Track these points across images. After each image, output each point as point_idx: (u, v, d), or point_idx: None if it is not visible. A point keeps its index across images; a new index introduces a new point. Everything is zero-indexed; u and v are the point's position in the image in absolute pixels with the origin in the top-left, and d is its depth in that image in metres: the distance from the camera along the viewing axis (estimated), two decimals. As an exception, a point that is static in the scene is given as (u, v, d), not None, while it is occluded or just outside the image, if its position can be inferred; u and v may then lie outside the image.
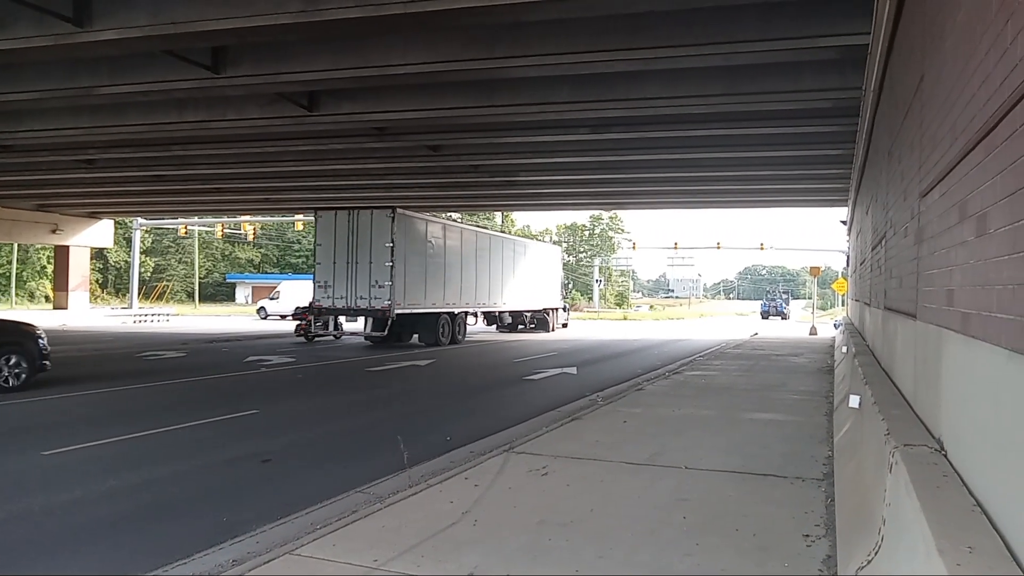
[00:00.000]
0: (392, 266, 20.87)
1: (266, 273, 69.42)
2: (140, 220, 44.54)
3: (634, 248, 78.37)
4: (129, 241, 50.75)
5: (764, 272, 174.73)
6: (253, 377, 14.97)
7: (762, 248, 60.62)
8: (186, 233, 55.83)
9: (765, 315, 59.97)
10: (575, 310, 60.28)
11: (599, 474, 5.87)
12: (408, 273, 21.64)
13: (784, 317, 59.16)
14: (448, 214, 30.52)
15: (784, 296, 67.59)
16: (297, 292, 44.78)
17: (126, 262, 57.99)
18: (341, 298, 21.46)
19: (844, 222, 27.11)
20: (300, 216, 45.59)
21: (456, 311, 24.56)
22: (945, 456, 3.20)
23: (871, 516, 3.45)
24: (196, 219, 48.20)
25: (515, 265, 29.76)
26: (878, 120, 8.51)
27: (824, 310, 68.60)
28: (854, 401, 5.83)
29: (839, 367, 12.34)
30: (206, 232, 58.96)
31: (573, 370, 16.18)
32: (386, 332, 21.46)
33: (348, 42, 10.32)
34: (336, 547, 4.21)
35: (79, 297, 36.58)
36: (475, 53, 9.97)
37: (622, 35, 9.44)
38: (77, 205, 32.05)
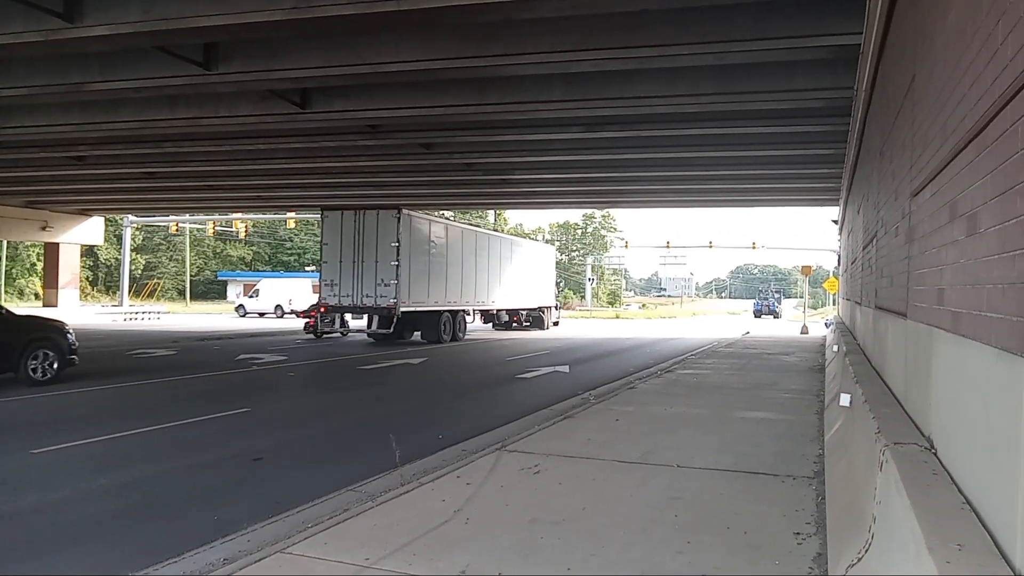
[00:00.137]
0: (398, 265, 21.41)
1: (258, 271, 69.11)
2: (131, 217, 44.30)
3: (626, 247, 78.50)
4: (120, 238, 50.46)
5: (756, 271, 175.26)
6: (244, 375, 14.92)
7: (754, 247, 60.90)
8: (177, 230, 55.49)
9: (758, 314, 60.49)
10: (568, 308, 60.50)
11: (591, 472, 5.88)
12: (412, 272, 22.16)
13: (776, 316, 59.73)
14: (442, 212, 30.47)
15: (776, 295, 68.08)
16: (277, 290, 44.82)
17: (116, 259, 57.67)
18: (347, 296, 21.99)
19: (835, 221, 27.23)
20: (292, 214, 45.50)
21: (457, 309, 25.09)
22: (935, 454, 3.22)
23: (862, 514, 3.47)
24: (187, 216, 47.95)
25: (512, 264, 30.30)
26: (870, 120, 8.54)
27: (815, 309, 68.93)
28: (845, 400, 5.85)
29: (830, 366, 12.40)
30: (197, 230, 58.73)
31: (565, 368, 16.20)
32: (392, 329, 21.97)
33: (341, 39, 10.28)
34: (328, 545, 4.20)
35: (69, 295, 36.35)
36: (469, 51, 9.95)
37: (616, 34, 9.44)
38: (67, 202, 31.84)
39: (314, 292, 50.61)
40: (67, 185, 25.38)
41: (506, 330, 31.58)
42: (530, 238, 56.50)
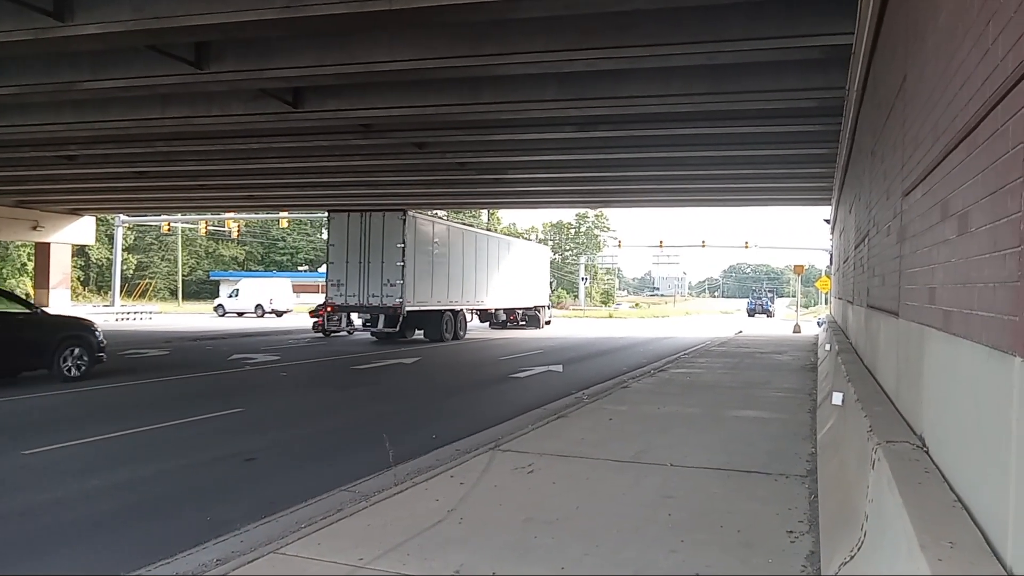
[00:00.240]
0: (403, 266, 22.05)
1: (250, 271, 68.91)
2: (122, 217, 44.06)
3: (620, 246, 78.57)
4: (111, 238, 50.18)
5: (749, 270, 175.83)
6: (237, 375, 14.88)
7: (747, 246, 61.06)
8: (169, 230, 55.28)
9: (752, 313, 60.90)
10: (561, 308, 60.64)
11: (585, 472, 5.89)
12: (416, 272, 22.80)
13: (770, 315, 60.14)
14: (435, 212, 30.49)
15: (770, 295, 68.48)
16: (257, 290, 44.77)
17: (108, 259, 57.39)
18: (353, 296, 22.57)
19: (827, 221, 27.33)
20: (285, 213, 45.36)
21: (458, 308, 25.70)
22: (927, 452, 3.23)
23: (854, 512, 3.48)
24: (179, 216, 47.76)
25: (510, 264, 30.95)
26: (861, 119, 8.58)
27: (807, 308, 69.18)
28: (837, 398, 5.87)
29: (822, 365, 12.45)
30: (189, 229, 58.50)
31: (559, 368, 16.21)
32: (398, 328, 22.47)
33: (333, 38, 10.25)
34: (321, 546, 4.20)
35: (60, 295, 36.12)
36: (461, 50, 9.94)
37: (608, 33, 9.44)
38: (58, 201, 31.64)
39: (294, 292, 50.73)
40: (58, 184, 25.22)
41: (502, 329, 32.03)
42: (524, 237, 56.58)
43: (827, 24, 8.71)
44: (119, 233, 45.76)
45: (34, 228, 33.64)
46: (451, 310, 25.12)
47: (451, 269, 25.22)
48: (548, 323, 36.32)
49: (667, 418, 8.41)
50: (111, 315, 36.95)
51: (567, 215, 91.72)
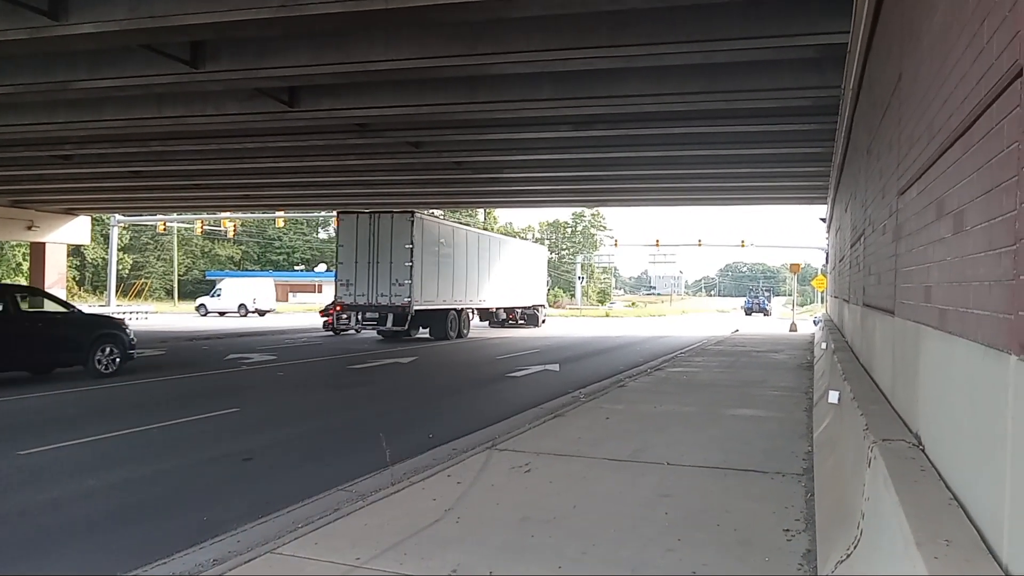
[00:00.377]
0: (411, 266, 22.74)
1: (247, 270, 68.80)
2: (118, 216, 43.91)
3: (616, 245, 78.68)
4: (107, 238, 50.05)
5: (745, 269, 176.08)
6: (234, 375, 14.85)
7: (743, 245, 61.33)
8: (165, 230, 55.12)
9: (748, 311, 61.13)
10: (558, 307, 60.69)
11: (582, 471, 5.89)
12: (424, 272, 23.51)
13: (766, 314, 60.35)
14: (431, 212, 30.53)
15: (766, 293, 68.72)
16: (240, 289, 44.72)
17: (103, 259, 57.25)
18: (362, 295, 23.22)
19: (823, 219, 27.37)
20: (281, 213, 45.28)
21: (462, 307, 26.38)
22: (923, 451, 3.24)
23: (850, 510, 3.49)
24: (175, 215, 47.67)
25: (511, 264, 31.75)
26: (857, 118, 8.59)
27: (804, 306, 69.32)
28: (833, 397, 5.89)
29: (818, 363, 12.47)
30: (185, 229, 58.36)
31: (555, 367, 16.21)
32: (406, 327, 23.22)
33: (329, 38, 10.23)
34: (318, 545, 4.19)
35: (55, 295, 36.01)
36: (457, 49, 9.93)
37: (603, 32, 9.45)
38: (53, 201, 31.53)
39: (291, 291, 50.49)
40: (53, 184, 25.14)
41: (501, 327, 32.58)
42: (520, 237, 56.60)
43: (822, 23, 8.73)
44: (115, 233, 45.65)
45: (29, 228, 33.52)
46: (456, 309, 25.77)
47: (456, 269, 25.94)
48: (543, 322, 36.76)
49: (664, 417, 8.42)
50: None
51: (563, 214, 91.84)
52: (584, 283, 79.45)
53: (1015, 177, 1.99)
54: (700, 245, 57.81)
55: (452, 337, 25.18)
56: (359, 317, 24.01)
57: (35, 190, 27.17)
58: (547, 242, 79.79)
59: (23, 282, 48.66)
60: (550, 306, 47.23)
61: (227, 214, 44.57)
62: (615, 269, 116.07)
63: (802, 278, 57.48)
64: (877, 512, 2.84)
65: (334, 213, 41.59)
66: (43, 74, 11.50)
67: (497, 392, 12.83)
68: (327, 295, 63.95)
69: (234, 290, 44.70)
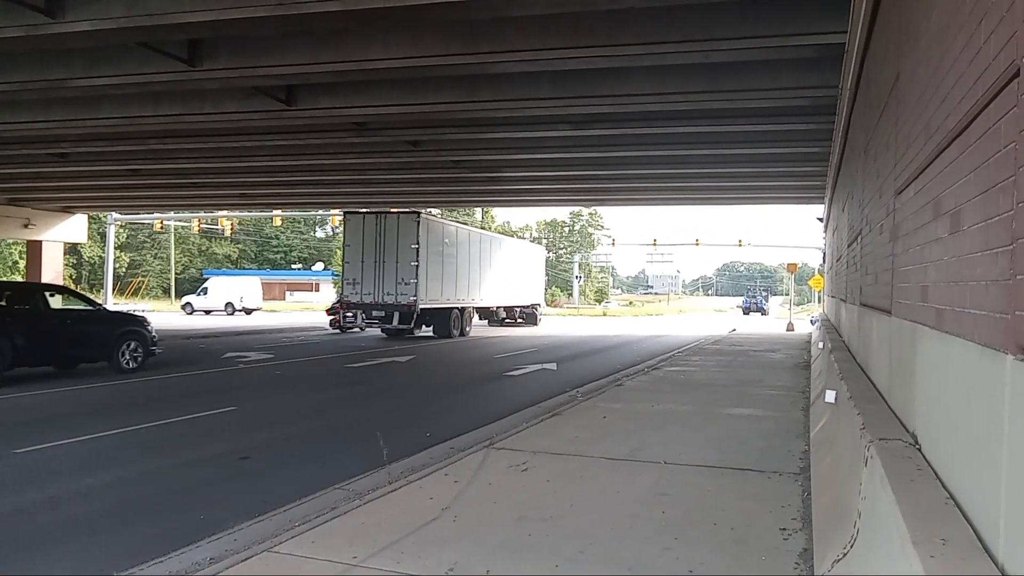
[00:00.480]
0: (417, 265, 23.17)
1: (244, 269, 68.71)
2: (115, 215, 43.82)
3: (613, 244, 78.62)
4: (103, 236, 49.96)
5: (742, 268, 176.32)
6: (231, 373, 14.84)
7: (740, 245, 61.54)
8: (162, 228, 55.03)
9: (746, 311, 61.36)
10: (555, 306, 60.77)
11: (579, 470, 5.89)
12: (429, 271, 23.94)
13: (764, 313, 60.59)
14: (429, 211, 30.55)
15: (764, 293, 68.85)
16: (227, 288, 44.76)
17: (100, 257, 57.17)
18: (368, 294, 23.60)
19: (821, 219, 27.39)
20: (278, 211, 45.20)
21: (464, 306, 26.83)
22: (919, 450, 3.25)
23: (847, 509, 3.50)
24: (172, 214, 47.60)
25: (511, 264, 32.30)
26: (854, 118, 8.60)
27: (801, 306, 69.43)
28: (830, 396, 5.89)
29: (815, 363, 12.49)
30: (182, 227, 58.33)
31: (553, 366, 16.22)
32: (412, 325, 23.67)
33: (326, 36, 10.21)
34: (315, 544, 4.19)
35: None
36: (456, 48, 9.92)
37: (603, 31, 9.44)
38: (50, 199, 31.46)
39: (288, 290, 50.25)
40: (50, 182, 25.07)
41: (500, 326, 32.93)
42: (518, 236, 56.61)
43: (820, 23, 8.73)
44: (111, 231, 45.54)
45: (25, 226, 33.42)
46: (459, 308, 26.21)
47: (459, 268, 26.44)
48: (539, 320, 36.93)
49: (661, 416, 8.43)
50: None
51: (561, 213, 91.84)
52: (581, 282, 79.49)
53: (1012, 177, 1.99)
54: (698, 245, 58.02)
55: (455, 335, 25.57)
56: (364, 315, 24.35)
57: (31, 188, 27.11)
58: (545, 241, 79.76)
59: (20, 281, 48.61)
60: (547, 305, 47.49)
61: (224, 212, 44.51)
62: (612, 268, 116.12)
63: (799, 278, 57.54)
64: (874, 511, 2.84)
65: (331, 212, 41.90)
66: (40, 72, 11.47)
67: (495, 391, 12.83)
68: (324, 293, 63.98)
69: (221, 289, 44.74)
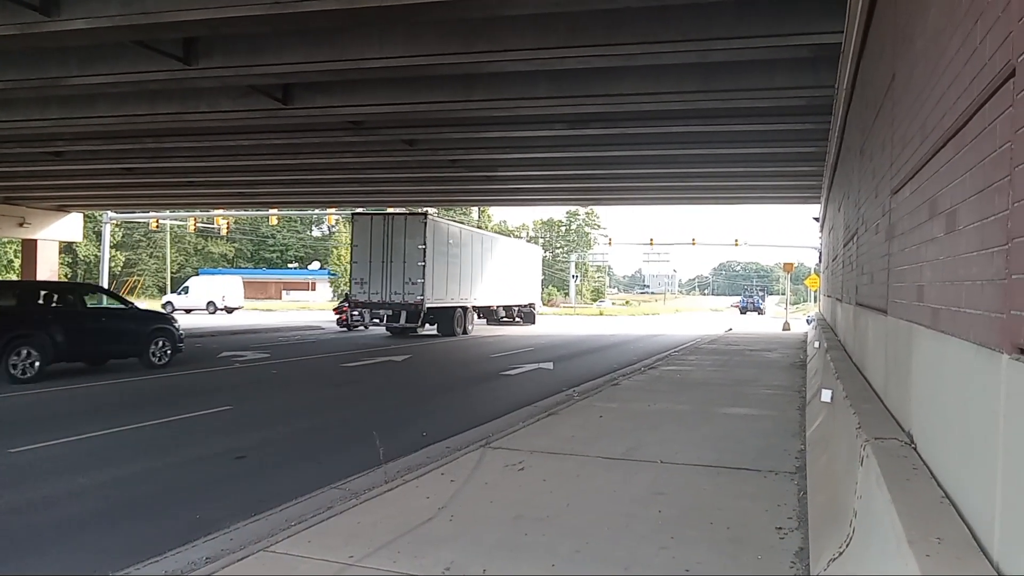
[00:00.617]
0: (424, 265, 23.73)
1: (240, 268, 68.58)
2: (110, 214, 43.64)
3: (610, 244, 78.86)
4: (99, 235, 49.77)
5: (739, 268, 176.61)
6: (227, 373, 14.81)
7: (736, 244, 61.56)
8: (157, 227, 54.91)
9: (743, 310, 61.61)
10: (552, 305, 60.84)
11: (575, 469, 5.89)
12: (435, 271, 24.53)
13: (760, 312, 60.81)
14: (425, 210, 30.58)
15: (760, 293, 69.02)
16: (208, 287, 44.80)
17: (96, 256, 56.97)
18: (376, 293, 24.13)
19: (817, 219, 27.44)
20: (274, 210, 45.17)
21: (467, 305, 27.25)
22: (915, 449, 3.25)
23: (843, 508, 3.50)
24: (168, 213, 47.41)
25: (511, 264, 32.89)
26: (850, 118, 8.61)
27: (797, 306, 69.53)
28: (826, 395, 5.90)
29: (811, 362, 12.51)
30: (178, 226, 58.13)
31: (549, 365, 16.22)
32: (420, 323, 24.21)
33: (323, 35, 10.20)
34: (311, 544, 4.18)
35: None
36: (452, 47, 9.91)
37: (599, 31, 9.45)
38: (45, 198, 31.38)
39: (284, 289, 50.05)
40: (45, 181, 24.99)
41: (498, 325, 33.24)
42: (514, 235, 56.66)
43: (816, 23, 8.75)
44: (107, 230, 45.35)
45: (21, 225, 33.32)
46: (462, 307, 26.78)
47: (463, 268, 27.05)
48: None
49: (657, 415, 8.43)
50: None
51: (558, 213, 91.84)
52: (578, 281, 79.53)
53: (1008, 176, 2.00)
54: (694, 244, 58.02)
55: (458, 333, 26.18)
56: (372, 314, 24.67)
57: (27, 187, 27.04)
58: (541, 240, 79.79)
59: (15, 279, 48.45)
60: (544, 304, 47.74)
61: (220, 211, 44.40)
62: (609, 268, 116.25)
63: (795, 277, 57.69)
64: (869, 510, 2.85)
65: (328, 211, 41.83)
66: (35, 70, 11.43)
67: (491, 390, 12.83)
68: (321, 293, 63.90)
69: (202, 288, 44.75)
